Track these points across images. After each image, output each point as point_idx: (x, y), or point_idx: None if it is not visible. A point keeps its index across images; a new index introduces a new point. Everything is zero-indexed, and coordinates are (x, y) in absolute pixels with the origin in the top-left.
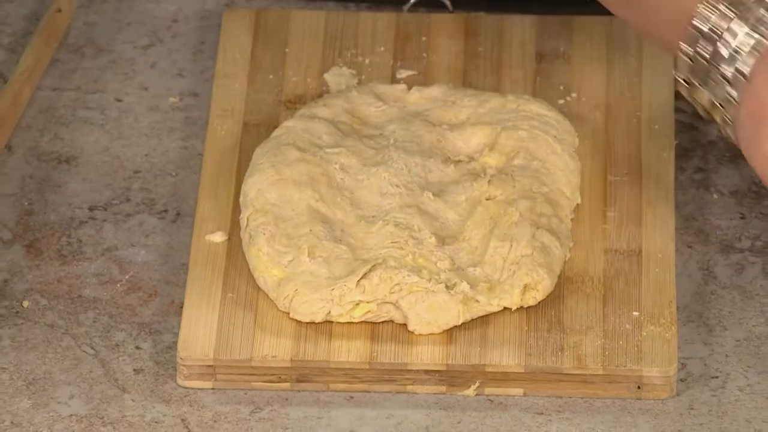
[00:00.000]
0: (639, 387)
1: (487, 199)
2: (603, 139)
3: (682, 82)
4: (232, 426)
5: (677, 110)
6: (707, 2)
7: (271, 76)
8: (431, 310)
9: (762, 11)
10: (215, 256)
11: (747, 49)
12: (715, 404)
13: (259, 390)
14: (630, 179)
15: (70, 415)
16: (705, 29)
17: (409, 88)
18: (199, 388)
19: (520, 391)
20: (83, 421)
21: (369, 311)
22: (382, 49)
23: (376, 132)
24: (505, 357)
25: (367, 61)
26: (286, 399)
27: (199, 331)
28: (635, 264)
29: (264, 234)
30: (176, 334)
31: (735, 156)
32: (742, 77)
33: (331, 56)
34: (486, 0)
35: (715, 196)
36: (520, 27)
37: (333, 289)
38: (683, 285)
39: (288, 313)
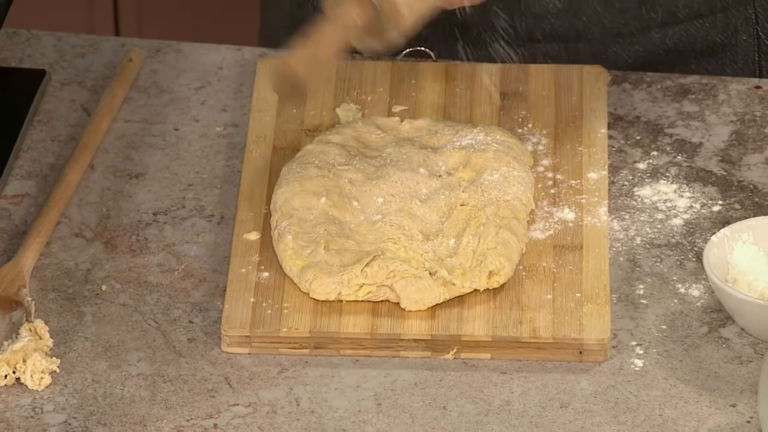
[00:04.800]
0: (581, 352)
1: (462, 205)
2: (552, 159)
3: None
4: (264, 383)
5: (610, 137)
6: None
7: (294, 111)
8: (418, 292)
9: None
10: (251, 250)
11: None
12: (640, 365)
13: (285, 355)
14: (573, 191)
15: (138, 374)
16: None
17: (402, 120)
18: (238, 353)
19: (488, 355)
20: (148, 379)
21: (370, 292)
22: (381, 89)
23: (377, 154)
24: (476, 329)
25: (369, 98)
26: (306, 362)
27: (239, 308)
28: (578, 256)
29: (290, 233)
30: (221, 311)
31: (654, 172)
32: None
33: (341, 95)
34: (461, 49)
35: (638, 203)
36: (488, 72)
37: (343, 275)
38: (615, 272)
39: (308, 294)
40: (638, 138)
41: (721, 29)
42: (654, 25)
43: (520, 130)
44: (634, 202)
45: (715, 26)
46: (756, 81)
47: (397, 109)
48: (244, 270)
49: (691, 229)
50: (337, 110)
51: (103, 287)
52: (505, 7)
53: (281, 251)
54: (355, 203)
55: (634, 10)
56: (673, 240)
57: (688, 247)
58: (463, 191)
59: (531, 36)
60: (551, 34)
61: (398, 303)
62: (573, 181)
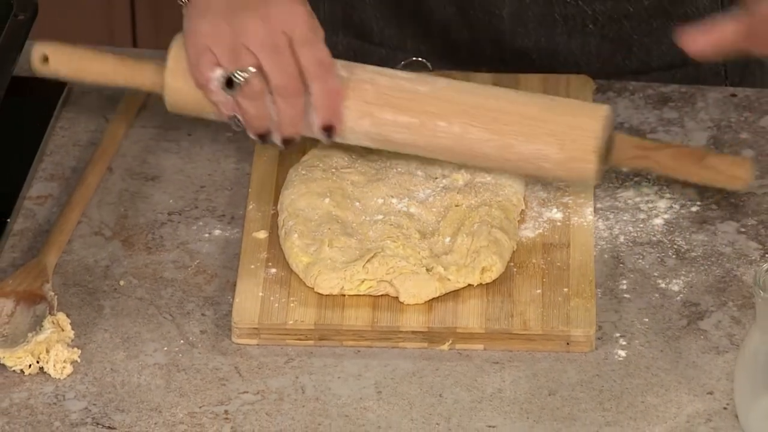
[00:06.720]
0: (568, 343)
1: (456, 206)
2: None
3: None
4: (271, 372)
5: None
6: None
7: None
8: (416, 286)
9: None
10: (259, 248)
11: None
12: (623, 355)
13: (291, 346)
14: (561, 193)
15: (154, 364)
16: None
17: None
18: (247, 344)
19: (481, 346)
20: (163, 368)
21: (371, 287)
22: None
23: (377, 157)
24: (470, 321)
25: None
26: (311, 352)
27: (248, 302)
28: (565, 254)
29: (296, 231)
30: (231, 305)
31: (637, 175)
32: None
33: None
34: (454, 62)
35: (621, 204)
36: (481, 81)
37: (346, 271)
38: (600, 269)
39: (313, 288)
40: None
41: (691, 80)
42: (627, 72)
43: None
44: (617, 203)
45: (687, 77)
46: (731, 90)
47: None
48: (253, 266)
49: (671, 228)
50: None
51: (121, 282)
52: (491, 38)
53: (288, 248)
54: (357, 204)
55: (607, 56)
56: (654, 238)
57: (668, 245)
58: (457, 193)
59: (515, 67)
60: (532, 69)
61: (397, 297)
62: (560, 183)
